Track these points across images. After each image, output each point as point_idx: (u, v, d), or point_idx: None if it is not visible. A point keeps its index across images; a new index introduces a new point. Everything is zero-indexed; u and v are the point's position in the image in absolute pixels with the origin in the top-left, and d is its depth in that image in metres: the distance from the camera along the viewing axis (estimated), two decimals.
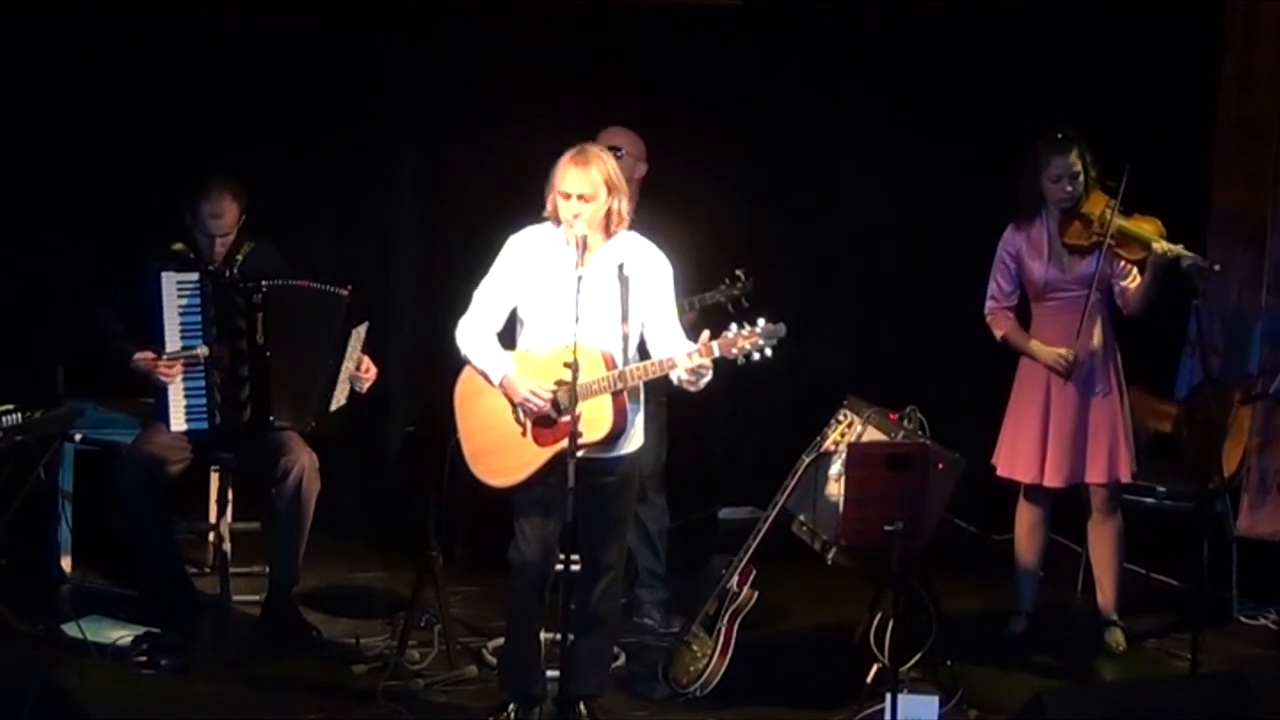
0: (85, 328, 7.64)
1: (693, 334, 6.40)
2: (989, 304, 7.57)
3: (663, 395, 7.18)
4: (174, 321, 7.49)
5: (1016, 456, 7.52)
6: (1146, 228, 7.30)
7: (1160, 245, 7.22)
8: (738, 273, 7.52)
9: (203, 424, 7.53)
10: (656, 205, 7.54)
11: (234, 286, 7.54)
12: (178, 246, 7.62)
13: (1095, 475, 7.46)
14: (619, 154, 7.52)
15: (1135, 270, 7.34)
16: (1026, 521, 7.63)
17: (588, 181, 6.38)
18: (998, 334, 7.57)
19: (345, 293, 7.59)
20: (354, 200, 9.11)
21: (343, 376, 7.59)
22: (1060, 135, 7.38)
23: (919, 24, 9.11)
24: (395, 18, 8.90)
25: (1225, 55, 8.60)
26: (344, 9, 8.81)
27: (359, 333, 7.62)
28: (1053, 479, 7.46)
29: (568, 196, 6.38)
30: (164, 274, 7.49)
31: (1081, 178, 7.36)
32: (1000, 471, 7.57)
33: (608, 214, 6.43)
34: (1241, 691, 6.38)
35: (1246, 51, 8.54)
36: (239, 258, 7.66)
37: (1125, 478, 7.50)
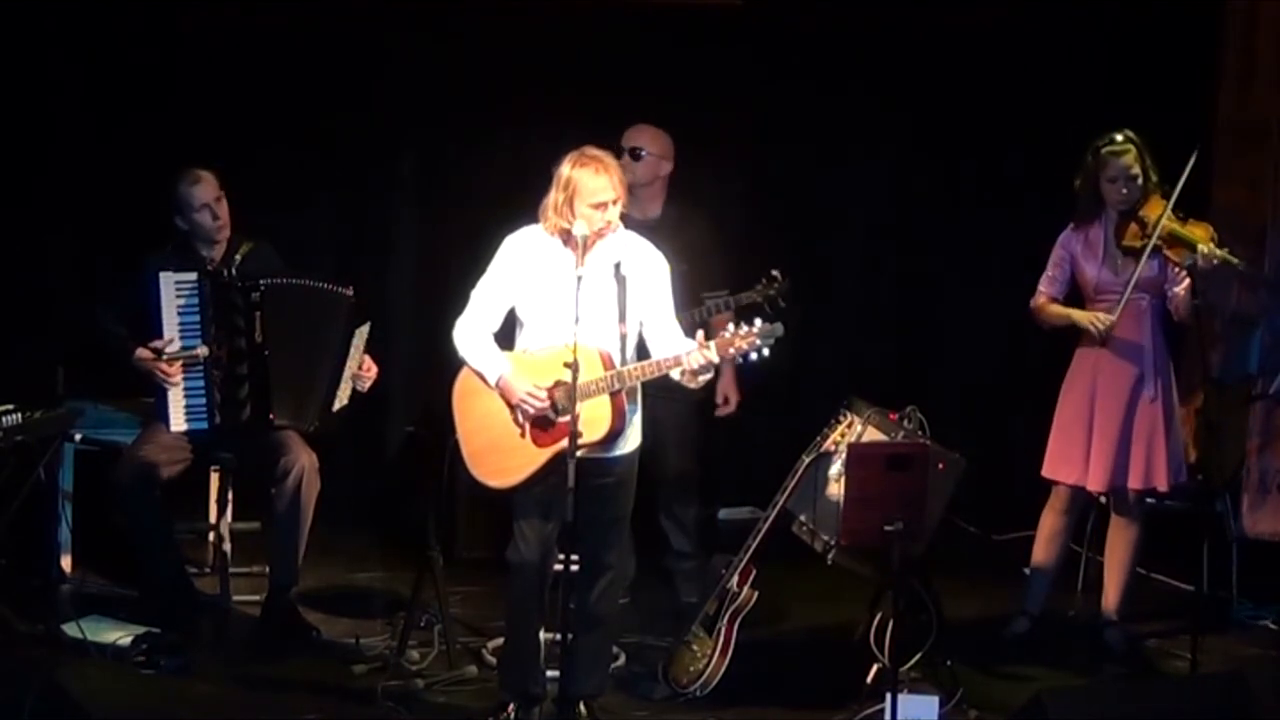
0: (87, 328, 7.64)
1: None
2: (1038, 296, 7.54)
3: (699, 392, 7.23)
4: (173, 321, 7.49)
5: (1060, 458, 7.50)
6: (1197, 233, 7.29)
7: (1205, 247, 7.21)
8: (774, 273, 7.52)
9: (202, 424, 7.53)
10: (685, 204, 7.55)
11: (232, 286, 7.54)
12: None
13: (1133, 481, 7.43)
14: (641, 154, 7.54)
15: (1187, 276, 7.31)
16: (1049, 528, 7.61)
17: (615, 184, 6.37)
18: (1040, 317, 7.52)
19: (350, 293, 7.60)
20: (354, 200, 9.11)
21: (345, 377, 7.59)
22: (1119, 137, 7.38)
23: (919, 24, 9.11)
24: (396, 18, 8.90)
25: (1225, 55, 8.60)
26: (344, 9, 8.81)
27: (362, 333, 7.62)
28: (1096, 483, 7.45)
29: (603, 206, 6.35)
30: (162, 274, 7.49)
31: (1140, 181, 7.36)
32: (1044, 473, 7.53)
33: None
34: (1241, 692, 6.37)
35: (1246, 51, 8.54)
36: (237, 257, 7.66)
37: (1162, 486, 7.46)
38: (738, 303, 7.49)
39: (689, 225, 7.42)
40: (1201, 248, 7.21)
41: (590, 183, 6.34)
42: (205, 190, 7.58)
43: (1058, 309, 7.50)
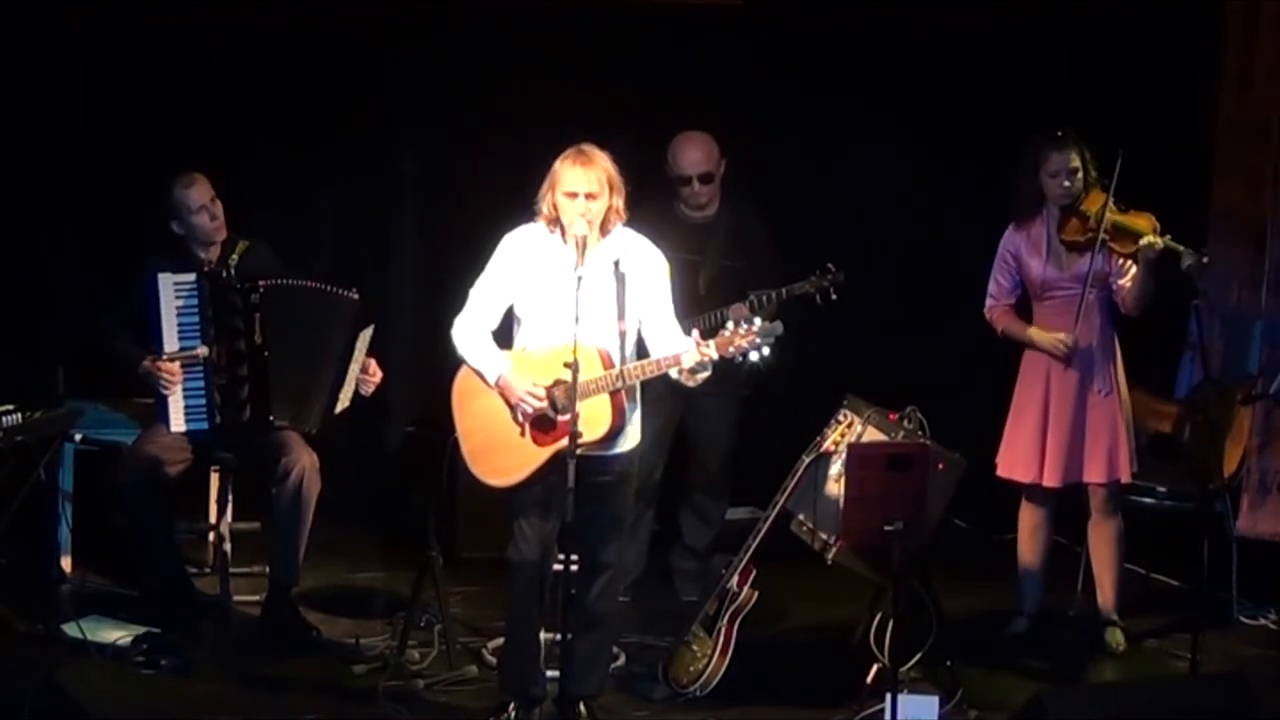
0: (95, 339, 7.63)
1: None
2: (988, 301, 7.59)
3: (745, 389, 7.37)
4: (172, 323, 7.49)
5: (1016, 456, 7.52)
6: (1140, 223, 7.30)
7: (1149, 238, 7.23)
8: (829, 265, 7.56)
9: (203, 424, 7.53)
10: (742, 202, 7.59)
11: (231, 286, 7.55)
12: None
13: (1094, 475, 7.46)
14: (712, 178, 7.58)
15: (1132, 268, 7.34)
16: (1029, 523, 7.63)
17: (593, 180, 6.38)
18: (998, 329, 7.58)
19: (355, 296, 7.60)
20: (354, 200, 9.11)
21: (349, 379, 7.59)
22: (1059, 132, 7.39)
23: (918, 25, 9.11)
24: (395, 18, 8.90)
25: (1225, 54, 8.60)
26: (344, 9, 8.81)
27: (365, 335, 7.63)
28: (1051, 479, 7.46)
29: (574, 195, 6.38)
30: (160, 275, 7.49)
31: (1080, 174, 7.37)
32: (1000, 472, 7.57)
33: (607, 212, 6.44)
34: (1241, 691, 6.38)
35: (1246, 51, 8.54)
36: (235, 257, 7.66)
37: (1125, 478, 7.50)
38: (790, 293, 7.55)
39: (746, 222, 7.47)
40: (1146, 239, 7.22)
41: (566, 173, 6.39)
42: (200, 192, 7.59)
43: (1017, 328, 7.52)
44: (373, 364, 7.64)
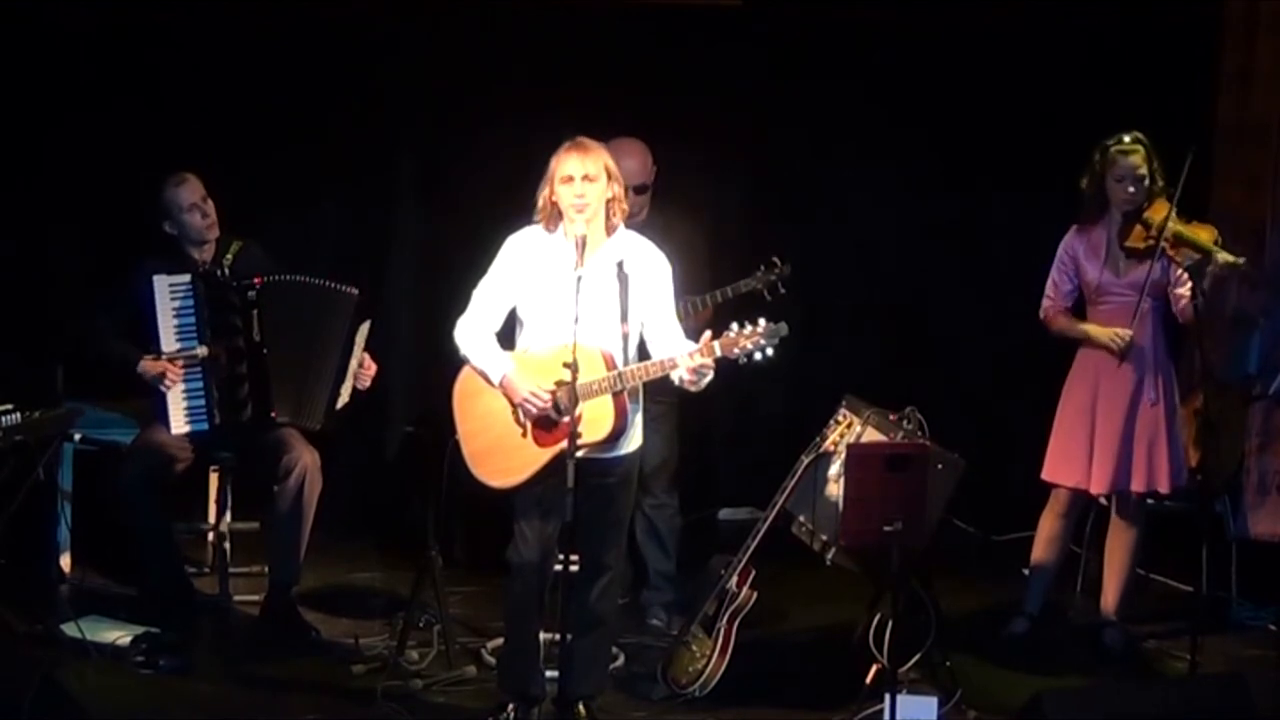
0: (92, 348, 7.63)
1: (714, 328, 6.38)
2: (1045, 303, 7.54)
3: (674, 397, 7.19)
4: (169, 324, 7.49)
5: (1062, 461, 7.49)
6: (1203, 235, 7.30)
7: (1223, 256, 7.22)
8: (774, 259, 7.49)
9: (203, 425, 7.53)
10: (672, 207, 7.54)
11: (227, 285, 7.55)
12: None
13: (1135, 484, 7.43)
14: (645, 189, 7.51)
15: (1188, 279, 7.30)
16: (1049, 529, 7.61)
17: (590, 164, 6.37)
18: (1053, 329, 7.52)
19: (354, 291, 7.60)
20: (354, 200, 9.10)
21: (349, 374, 7.60)
22: (1127, 137, 7.38)
23: (918, 25, 9.10)
24: (395, 18, 8.90)
25: (1225, 55, 8.61)
26: (344, 9, 8.80)
27: (363, 330, 7.63)
28: (1099, 485, 7.44)
29: (570, 179, 6.35)
30: (155, 277, 7.49)
31: (1147, 182, 7.35)
32: (1045, 475, 7.52)
33: (609, 203, 6.42)
34: (1241, 693, 6.38)
35: (1246, 51, 8.55)
36: (229, 257, 7.66)
37: (1164, 489, 7.47)
38: (736, 290, 7.46)
39: (677, 227, 7.40)
40: (1220, 256, 7.21)
41: (562, 160, 6.38)
42: (191, 190, 7.59)
43: (1073, 325, 7.48)
44: (368, 359, 7.64)
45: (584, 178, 6.35)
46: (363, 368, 7.63)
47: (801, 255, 7.76)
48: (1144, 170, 7.36)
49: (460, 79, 8.94)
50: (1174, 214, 7.27)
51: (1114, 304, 7.42)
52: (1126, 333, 7.36)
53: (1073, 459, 7.47)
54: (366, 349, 7.66)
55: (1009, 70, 9.06)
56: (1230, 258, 7.23)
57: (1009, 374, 7.89)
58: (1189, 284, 7.30)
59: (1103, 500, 7.71)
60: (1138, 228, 7.36)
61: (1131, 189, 7.36)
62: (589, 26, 8.90)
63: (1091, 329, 7.45)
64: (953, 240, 9.26)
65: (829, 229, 9.38)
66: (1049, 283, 7.54)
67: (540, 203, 6.43)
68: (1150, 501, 7.58)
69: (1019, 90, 8.98)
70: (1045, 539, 7.63)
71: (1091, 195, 7.45)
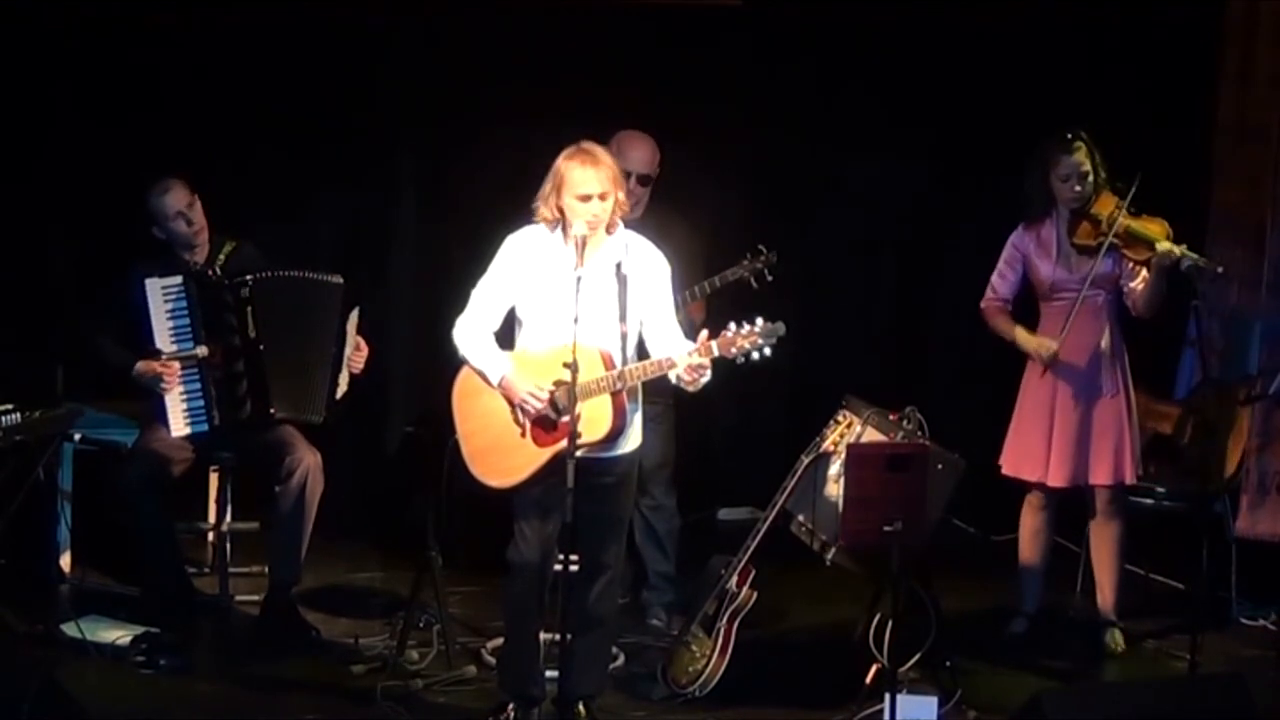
0: (90, 356, 7.63)
1: (706, 319, 6.38)
2: (987, 294, 7.58)
3: (670, 397, 7.18)
4: (163, 327, 7.50)
5: (1022, 455, 7.51)
6: (1153, 229, 7.30)
7: (1164, 246, 7.22)
8: (760, 247, 7.47)
9: (203, 426, 7.53)
10: (668, 206, 7.53)
11: (220, 285, 7.55)
12: None
13: (1100, 477, 7.45)
14: (649, 180, 7.50)
15: (1143, 271, 7.33)
16: (1030, 525, 7.62)
17: (604, 179, 6.36)
18: (989, 324, 7.57)
19: (339, 280, 7.61)
20: (354, 200, 9.11)
21: (345, 364, 7.61)
22: (1069, 135, 7.38)
23: (919, 24, 9.11)
24: (395, 17, 8.90)
25: (1225, 55, 8.60)
26: (344, 9, 8.80)
27: (352, 317, 7.64)
28: (1056, 479, 7.46)
29: (587, 199, 6.35)
30: (147, 280, 7.49)
31: (1091, 178, 7.36)
32: (1005, 470, 7.56)
33: (613, 208, 6.43)
34: (1241, 692, 6.37)
35: (1246, 51, 8.54)
36: (221, 257, 7.66)
37: (1130, 480, 7.49)
38: (724, 279, 7.44)
39: (675, 227, 7.40)
40: (1160, 246, 7.22)
41: (576, 175, 6.35)
42: (176, 198, 7.57)
43: (1008, 326, 7.51)
44: (360, 341, 7.65)
45: (600, 196, 6.35)
46: (356, 350, 7.64)
47: (801, 255, 7.77)
48: (1088, 166, 7.36)
49: (460, 79, 8.95)
50: (1124, 209, 7.27)
51: (1067, 299, 7.42)
52: (1053, 344, 7.36)
53: (1032, 453, 7.47)
54: (358, 334, 7.66)
55: (1009, 70, 9.06)
56: (1181, 251, 7.21)
57: (1009, 374, 7.87)
58: (1143, 275, 7.30)
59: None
60: (1085, 224, 7.37)
61: (1077, 187, 7.37)
62: (589, 26, 8.90)
63: (1020, 335, 7.47)
64: (952, 240, 9.26)
65: (828, 228, 9.38)
66: (994, 276, 7.55)
67: (545, 207, 6.42)
68: (1150, 501, 7.58)
69: (1019, 90, 8.97)
70: (1028, 536, 7.63)
71: (1036, 193, 7.46)
